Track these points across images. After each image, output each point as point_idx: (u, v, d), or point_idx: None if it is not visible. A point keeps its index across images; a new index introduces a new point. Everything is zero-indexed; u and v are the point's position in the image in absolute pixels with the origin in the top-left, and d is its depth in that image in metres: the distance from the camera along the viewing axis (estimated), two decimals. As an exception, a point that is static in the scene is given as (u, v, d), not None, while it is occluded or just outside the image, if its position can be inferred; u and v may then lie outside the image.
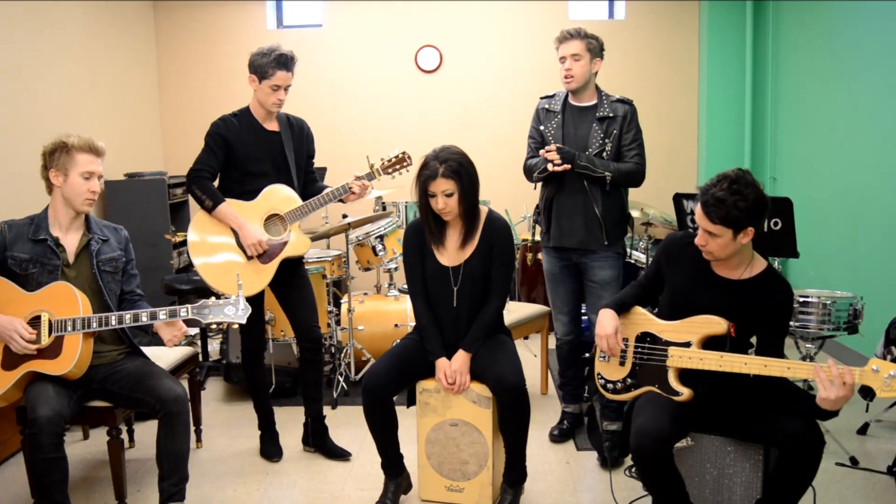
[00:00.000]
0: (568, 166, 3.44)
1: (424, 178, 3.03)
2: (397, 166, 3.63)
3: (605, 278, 3.60)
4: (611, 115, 3.54)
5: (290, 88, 3.50)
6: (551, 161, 3.45)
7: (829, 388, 2.26)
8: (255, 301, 3.50)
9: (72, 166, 2.95)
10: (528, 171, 3.71)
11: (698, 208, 2.53)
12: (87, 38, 5.73)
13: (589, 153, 3.52)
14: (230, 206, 3.45)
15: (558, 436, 3.88)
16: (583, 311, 4.01)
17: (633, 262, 4.87)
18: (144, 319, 2.90)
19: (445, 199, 3.02)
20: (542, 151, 3.51)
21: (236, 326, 2.98)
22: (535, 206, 3.84)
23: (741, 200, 2.44)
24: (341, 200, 3.59)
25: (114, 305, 3.09)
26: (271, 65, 3.40)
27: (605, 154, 3.52)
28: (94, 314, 2.89)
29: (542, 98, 3.78)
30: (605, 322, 2.78)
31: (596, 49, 3.56)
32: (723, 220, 2.46)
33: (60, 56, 5.35)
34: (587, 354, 4.33)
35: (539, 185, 3.74)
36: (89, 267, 3.04)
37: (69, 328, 2.86)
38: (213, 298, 2.92)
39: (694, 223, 4.10)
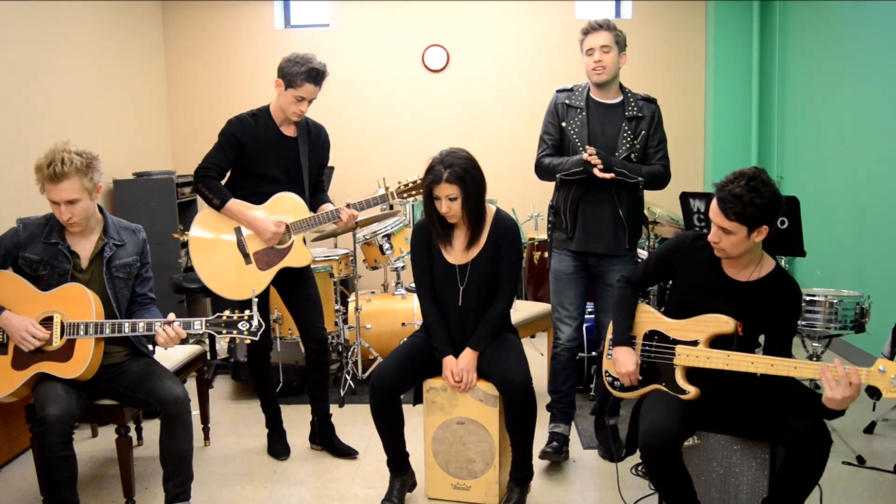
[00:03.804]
0: (612, 175, 3.26)
1: (429, 182, 3.03)
2: (413, 192, 3.56)
3: None
4: (639, 114, 3.42)
5: (313, 101, 3.45)
6: (595, 166, 3.26)
7: (836, 387, 2.26)
8: (262, 300, 3.50)
9: (46, 192, 2.88)
10: (547, 170, 3.49)
11: (714, 204, 2.52)
12: (96, 38, 5.75)
13: (618, 155, 3.37)
14: (238, 203, 3.45)
15: (552, 453, 3.54)
16: (589, 311, 3.95)
17: (639, 260, 4.86)
18: (157, 329, 2.90)
19: (449, 202, 3.02)
20: (585, 156, 3.28)
21: (248, 342, 2.99)
22: (549, 207, 3.61)
23: (758, 198, 2.43)
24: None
25: (123, 310, 3.09)
26: (302, 75, 3.33)
27: (633, 157, 3.40)
28: (107, 320, 2.89)
29: (559, 91, 3.54)
30: (626, 360, 2.77)
31: (622, 42, 3.40)
32: (738, 216, 2.46)
33: (69, 56, 5.37)
34: (594, 353, 4.35)
35: (553, 183, 3.56)
36: (102, 273, 3.04)
37: (81, 332, 2.87)
38: (227, 312, 2.93)
39: (701, 222, 4.09)
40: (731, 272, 2.66)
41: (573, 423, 3.90)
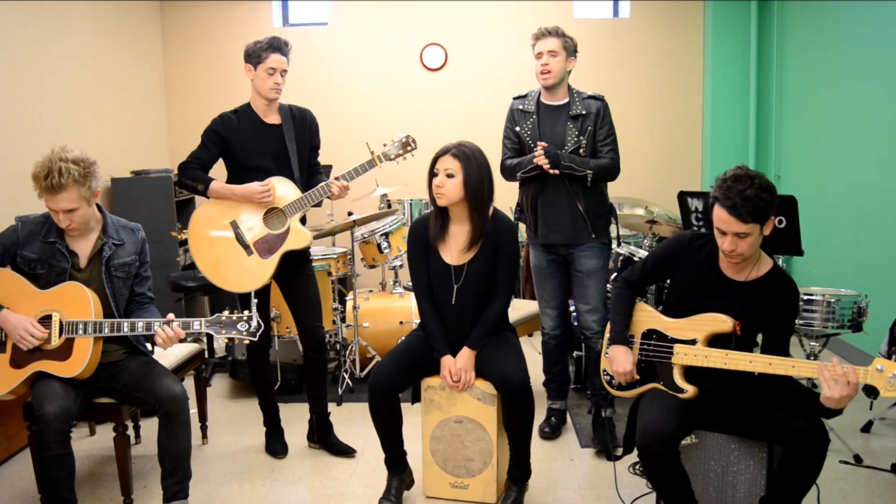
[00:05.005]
0: (557, 171, 3.50)
1: (435, 157, 3.08)
2: (401, 151, 3.59)
3: (592, 267, 3.67)
4: (583, 112, 3.59)
5: (286, 75, 3.50)
6: (544, 165, 3.49)
7: (834, 386, 2.26)
8: (261, 298, 3.50)
9: (44, 200, 2.88)
10: (509, 171, 3.74)
11: (723, 215, 2.48)
12: (94, 37, 5.75)
13: (566, 149, 3.56)
14: (222, 184, 3.46)
15: (550, 433, 3.92)
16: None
17: (636, 260, 4.86)
18: (156, 329, 2.89)
19: (445, 178, 3.03)
20: (536, 156, 3.50)
21: (248, 342, 3.00)
22: (515, 205, 3.88)
23: (763, 192, 2.46)
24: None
25: (122, 309, 3.08)
26: (264, 48, 3.43)
27: (581, 151, 3.58)
28: (106, 320, 2.89)
29: (515, 98, 3.79)
30: (622, 359, 2.77)
31: (571, 48, 3.62)
32: (753, 216, 2.46)
33: (68, 55, 5.37)
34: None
35: (517, 183, 3.78)
36: (100, 272, 3.03)
37: (80, 331, 2.86)
38: (226, 313, 2.93)
39: (699, 221, 4.09)
40: (730, 272, 2.66)
41: (572, 423, 4.10)
